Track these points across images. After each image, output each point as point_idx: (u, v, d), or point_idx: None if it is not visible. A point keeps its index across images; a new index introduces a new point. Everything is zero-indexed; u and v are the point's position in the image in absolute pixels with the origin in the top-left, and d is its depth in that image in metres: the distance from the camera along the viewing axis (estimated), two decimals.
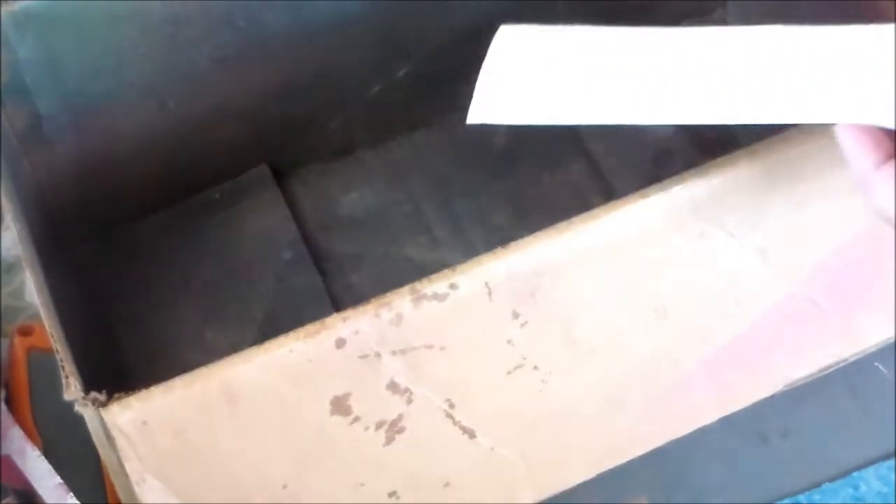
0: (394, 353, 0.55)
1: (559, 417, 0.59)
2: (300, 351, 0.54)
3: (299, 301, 0.80)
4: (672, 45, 0.54)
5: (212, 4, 0.72)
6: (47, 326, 0.56)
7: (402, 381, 0.55)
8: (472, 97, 0.85)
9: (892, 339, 0.62)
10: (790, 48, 0.54)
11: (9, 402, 0.76)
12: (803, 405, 0.71)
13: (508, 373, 0.57)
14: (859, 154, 0.51)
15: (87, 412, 0.53)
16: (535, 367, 0.57)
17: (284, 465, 0.56)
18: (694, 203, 0.56)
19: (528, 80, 0.55)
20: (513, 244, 0.55)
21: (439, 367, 0.56)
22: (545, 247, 0.55)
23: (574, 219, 0.55)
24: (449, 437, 0.57)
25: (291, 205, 0.84)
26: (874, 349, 0.62)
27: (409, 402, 0.56)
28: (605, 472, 0.64)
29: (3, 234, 0.79)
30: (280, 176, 0.85)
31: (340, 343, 0.54)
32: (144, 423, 0.53)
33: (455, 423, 0.57)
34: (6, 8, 0.67)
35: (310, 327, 0.54)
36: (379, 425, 0.56)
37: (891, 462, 0.78)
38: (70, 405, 0.53)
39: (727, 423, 0.66)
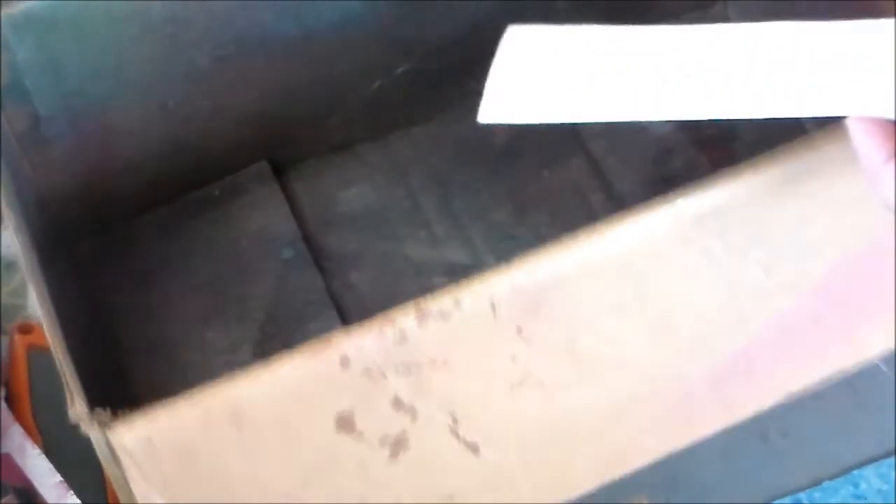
0: (398, 370, 0.55)
1: (562, 431, 0.59)
2: (304, 369, 0.54)
3: (299, 300, 0.80)
4: (678, 43, 0.55)
5: (212, 4, 0.72)
6: (49, 340, 0.56)
7: (407, 398, 0.55)
8: (472, 93, 0.85)
9: (894, 349, 0.62)
10: (791, 43, 0.54)
11: (9, 400, 0.76)
12: (803, 404, 0.71)
13: (512, 388, 0.57)
14: (870, 148, 0.52)
15: (92, 432, 0.53)
16: (539, 382, 0.57)
17: (289, 483, 0.56)
18: (697, 218, 0.56)
19: (537, 79, 0.55)
20: (516, 260, 0.55)
21: (443, 383, 0.56)
22: (549, 262, 0.55)
23: (577, 234, 0.55)
24: (453, 453, 0.57)
25: (291, 201, 0.84)
26: (877, 359, 0.62)
27: (414, 418, 0.56)
28: None
29: (3, 232, 0.79)
30: (279, 172, 0.84)
31: (345, 361, 0.54)
32: (149, 442, 0.53)
33: (459, 438, 0.57)
34: (6, 10, 0.66)
35: (314, 345, 0.54)
36: (383, 441, 0.56)
37: (891, 460, 0.78)
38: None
39: None
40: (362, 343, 0.54)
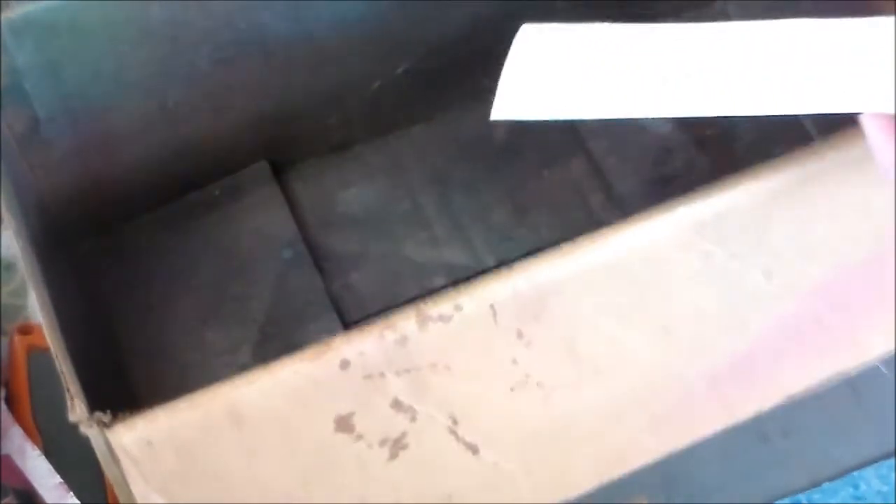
0: (398, 373, 0.55)
1: (562, 432, 0.59)
2: (305, 372, 0.54)
3: (299, 300, 0.80)
4: (692, 41, 0.55)
5: (211, 6, 0.72)
6: (49, 342, 0.56)
7: (406, 400, 0.56)
8: (471, 93, 0.85)
9: (894, 351, 0.62)
10: (792, 40, 0.54)
11: (9, 401, 0.76)
12: (804, 405, 0.71)
13: (512, 390, 0.57)
14: (884, 143, 0.52)
15: (92, 433, 0.53)
16: (539, 385, 0.58)
17: (288, 484, 0.56)
18: (698, 224, 0.56)
19: (549, 76, 0.55)
20: (517, 265, 0.55)
21: (443, 385, 0.56)
22: (550, 267, 0.56)
23: (579, 239, 0.55)
24: (452, 454, 0.57)
25: (290, 202, 0.84)
26: (877, 361, 0.62)
27: (413, 419, 0.56)
28: None
29: (3, 233, 0.79)
30: (279, 172, 0.85)
31: (345, 364, 0.54)
32: (149, 443, 0.53)
33: (458, 439, 0.57)
34: (5, 13, 0.66)
35: (314, 349, 0.54)
36: (382, 442, 0.56)
37: (891, 461, 0.78)
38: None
39: None
40: (363, 346, 0.54)
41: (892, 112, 0.52)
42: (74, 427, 0.53)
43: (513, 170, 0.84)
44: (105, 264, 0.80)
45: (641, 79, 0.54)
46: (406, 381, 0.55)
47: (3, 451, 0.74)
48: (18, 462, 0.73)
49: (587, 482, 0.61)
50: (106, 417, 0.52)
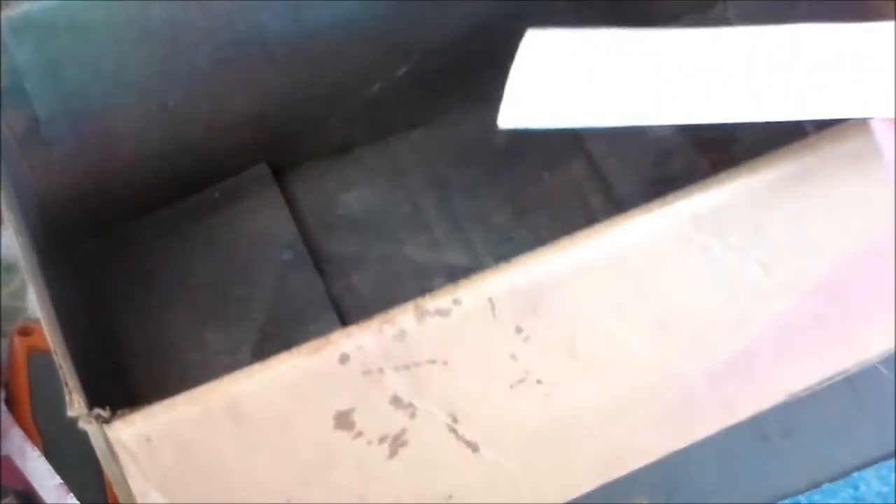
0: (397, 368, 0.55)
1: (562, 429, 0.59)
2: (303, 367, 0.54)
3: (299, 301, 0.80)
4: (697, 46, 0.55)
5: (211, 5, 0.72)
6: (49, 339, 0.56)
7: (406, 396, 0.55)
8: (471, 95, 0.86)
9: (894, 349, 0.62)
10: (794, 47, 0.54)
11: (9, 402, 0.76)
12: (804, 405, 0.71)
13: (511, 387, 0.57)
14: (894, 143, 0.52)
15: (90, 429, 0.53)
16: (538, 381, 0.57)
17: (287, 480, 0.56)
18: (696, 218, 0.56)
19: (556, 83, 0.55)
20: (515, 259, 0.55)
21: (442, 381, 0.56)
22: (548, 262, 0.55)
23: (576, 234, 0.55)
24: (452, 451, 0.57)
25: (291, 204, 0.84)
26: (877, 359, 0.62)
27: (413, 416, 0.56)
28: None
29: (3, 234, 0.79)
30: (279, 174, 0.85)
31: (344, 359, 0.54)
32: (148, 439, 0.53)
33: (458, 436, 0.57)
34: (5, 13, 0.66)
35: (313, 343, 0.54)
36: (382, 439, 0.56)
37: (891, 462, 0.78)
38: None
39: None
40: (361, 341, 0.54)
41: (893, 116, 0.52)
42: (74, 427, 0.53)
43: (513, 172, 0.84)
44: (105, 264, 0.80)
45: (648, 85, 0.55)
46: (405, 378, 0.55)
47: (4, 452, 0.74)
48: (18, 463, 0.73)
49: (587, 482, 0.61)
50: (105, 413, 0.52)
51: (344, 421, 0.55)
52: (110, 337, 0.77)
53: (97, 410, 0.52)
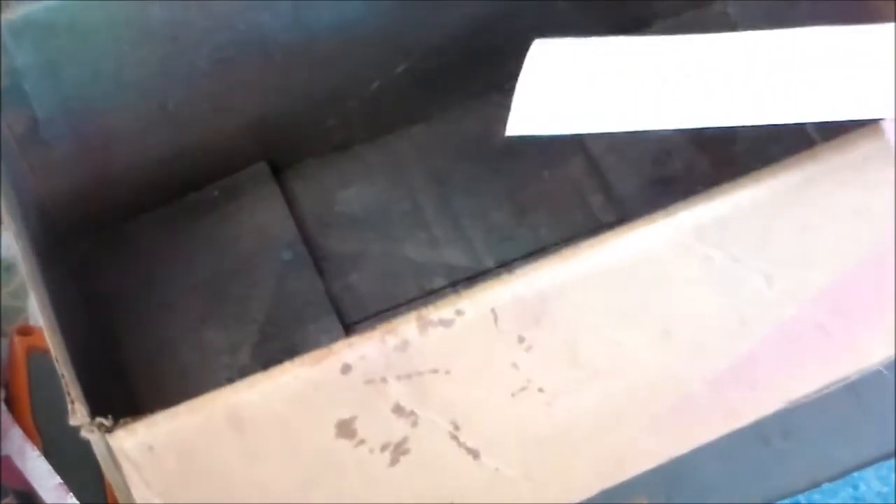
0: (399, 377, 0.55)
1: (563, 437, 0.59)
2: (306, 377, 0.54)
3: (299, 301, 0.80)
4: (702, 53, 0.55)
5: (211, 5, 0.72)
6: (50, 346, 0.56)
7: (408, 405, 0.56)
8: (471, 93, 0.86)
9: (895, 356, 0.62)
10: (796, 50, 0.54)
11: (9, 402, 0.76)
12: (804, 406, 0.71)
13: (513, 395, 0.57)
14: None
15: (92, 437, 0.53)
16: (540, 389, 0.58)
17: (289, 489, 0.56)
18: (699, 228, 0.56)
19: (564, 91, 0.55)
20: (518, 270, 0.55)
21: (445, 390, 0.56)
22: (550, 272, 0.55)
23: (579, 244, 0.55)
24: (454, 458, 0.58)
25: (290, 202, 0.84)
26: (878, 367, 0.62)
27: (415, 424, 0.56)
28: None
29: (3, 234, 0.79)
30: (278, 173, 0.85)
31: (346, 369, 0.54)
32: (150, 448, 0.53)
33: (460, 444, 0.57)
34: (4, 14, 0.66)
35: (315, 353, 0.54)
36: (384, 447, 0.56)
37: (891, 462, 0.78)
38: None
39: None
40: (364, 351, 0.54)
41: (893, 118, 0.52)
42: (74, 428, 0.53)
43: (513, 170, 0.84)
44: (105, 264, 0.80)
45: (654, 91, 0.55)
46: (407, 386, 0.55)
47: (3, 452, 0.74)
48: (18, 463, 0.73)
49: (588, 488, 0.61)
50: (107, 422, 0.52)
51: (346, 429, 0.55)
52: (110, 337, 0.77)
53: (99, 419, 0.52)
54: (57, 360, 0.54)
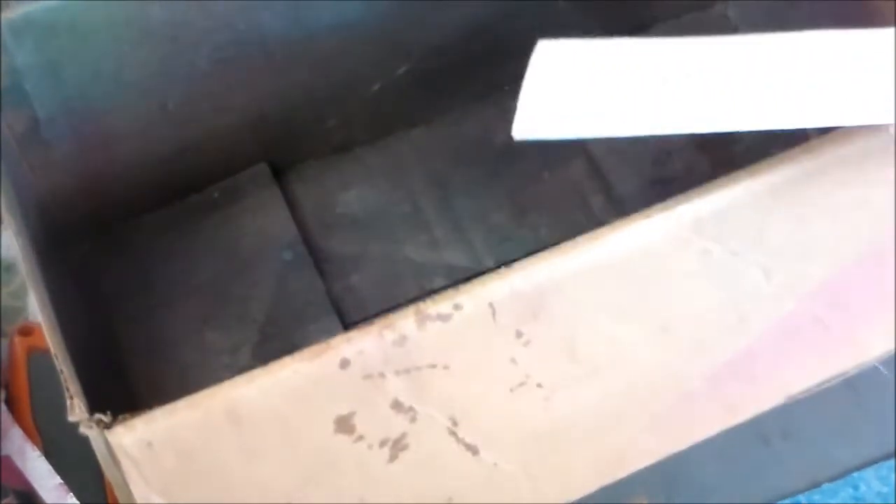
0: (398, 372, 0.55)
1: (562, 432, 0.59)
2: (304, 372, 0.54)
3: (299, 301, 0.80)
4: (706, 56, 0.55)
5: (211, 5, 0.72)
6: (50, 344, 0.56)
7: (406, 400, 0.56)
8: (472, 95, 0.86)
9: (894, 351, 0.62)
10: (799, 55, 0.55)
11: (9, 402, 0.76)
12: (803, 405, 0.71)
13: (511, 390, 0.57)
14: None
15: (91, 434, 0.53)
16: (539, 385, 0.58)
17: (288, 484, 0.56)
18: (697, 222, 0.56)
19: (569, 94, 0.55)
20: (516, 264, 0.55)
21: (443, 386, 0.56)
22: (549, 266, 0.56)
23: (577, 238, 0.55)
24: (452, 454, 0.58)
25: (290, 204, 0.84)
26: (877, 361, 0.62)
27: (413, 420, 0.56)
28: None
29: (3, 233, 0.79)
30: (278, 174, 0.85)
31: (344, 364, 0.54)
32: (149, 444, 0.53)
33: (458, 440, 0.57)
34: (5, 14, 0.66)
35: (314, 348, 0.54)
36: (382, 443, 0.56)
37: (891, 462, 0.78)
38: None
39: None
40: (362, 346, 0.54)
41: (893, 123, 0.52)
42: (74, 428, 0.53)
43: (513, 171, 0.84)
44: (105, 264, 0.80)
45: (659, 95, 0.55)
46: (406, 382, 0.55)
47: (4, 452, 0.74)
48: (18, 463, 0.73)
49: (587, 484, 0.61)
50: (106, 418, 0.52)
51: (344, 425, 0.55)
52: (110, 337, 0.77)
53: (98, 416, 0.52)
54: (56, 357, 0.54)
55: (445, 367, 0.55)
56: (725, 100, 0.55)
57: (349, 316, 0.80)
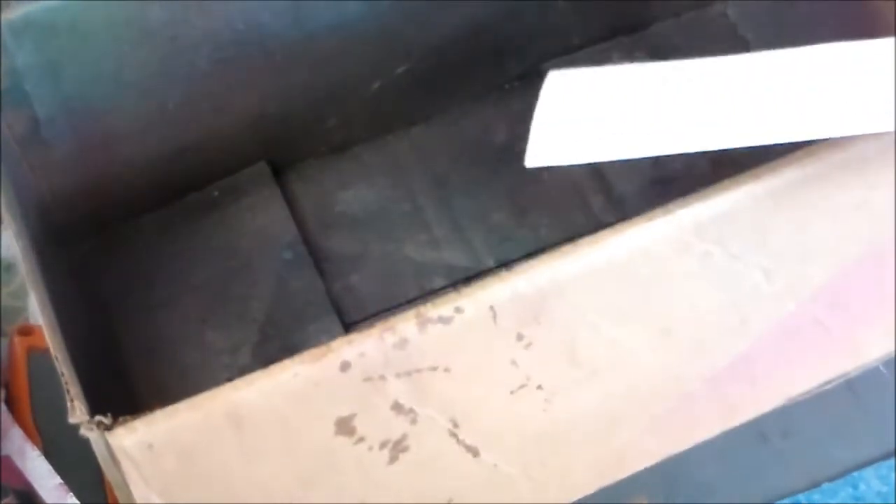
0: (398, 375, 0.55)
1: (562, 434, 0.59)
2: (305, 374, 0.54)
3: (299, 301, 0.80)
4: (713, 77, 0.55)
5: (211, 5, 0.72)
6: (50, 345, 0.56)
7: (407, 402, 0.56)
8: (472, 95, 0.86)
9: (894, 353, 0.62)
10: (803, 69, 0.55)
11: (9, 402, 0.76)
12: (803, 405, 0.71)
13: (512, 392, 0.57)
14: None
15: (92, 435, 0.53)
16: (539, 387, 0.58)
17: (288, 486, 0.56)
18: (698, 226, 0.57)
19: (581, 120, 0.55)
20: (517, 267, 0.55)
21: (444, 388, 0.56)
22: (550, 269, 0.55)
23: (578, 241, 0.55)
24: (453, 456, 0.58)
25: (290, 203, 0.84)
26: (877, 363, 0.62)
27: (414, 422, 0.56)
28: None
29: (4, 233, 0.79)
30: (278, 173, 0.85)
31: (345, 366, 0.54)
32: (150, 446, 0.53)
33: (459, 441, 0.57)
34: (5, 14, 0.66)
35: (314, 351, 0.54)
36: (383, 445, 0.56)
37: (891, 462, 0.78)
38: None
39: None
40: (363, 348, 0.54)
41: (893, 131, 0.52)
42: (74, 428, 0.53)
43: (512, 171, 0.84)
44: (105, 264, 0.80)
45: (669, 117, 0.55)
46: (406, 384, 0.55)
47: (3, 452, 0.74)
48: (18, 463, 0.73)
49: (587, 485, 0.61)
50: (106, 420, 0.52)
51: (345, 427, 0.55)
52: (110, 337, 0.77)
53: (98, 417, 0.52)
54: (57, 359, 0.54)
55: (446, 370, 0.55)
56: (733, 118, 0.55)
57: (349, 315, 0.80)
